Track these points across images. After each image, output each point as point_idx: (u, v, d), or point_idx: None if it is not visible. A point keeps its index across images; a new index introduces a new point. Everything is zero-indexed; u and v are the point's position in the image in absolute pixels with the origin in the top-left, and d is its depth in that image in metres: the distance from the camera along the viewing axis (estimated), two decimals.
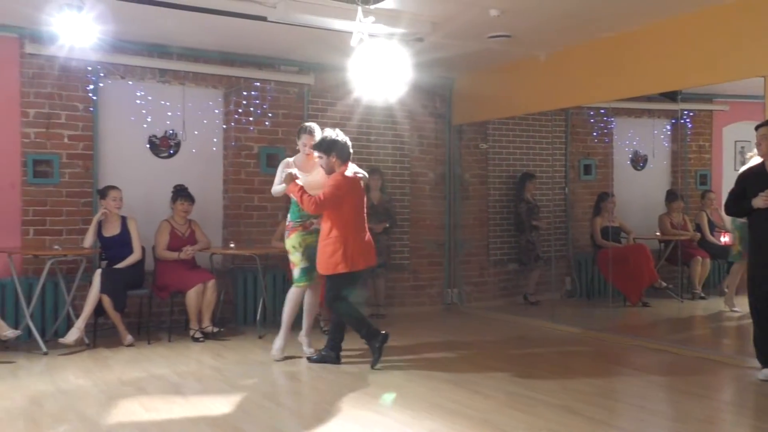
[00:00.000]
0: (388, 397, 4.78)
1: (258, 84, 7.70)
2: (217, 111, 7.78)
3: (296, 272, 5.83)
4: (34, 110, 6.66)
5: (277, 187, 5.85)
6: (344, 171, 5.64)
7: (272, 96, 7.82)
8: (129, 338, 6.37)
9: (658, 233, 8.97)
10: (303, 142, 5.95)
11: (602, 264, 8.72)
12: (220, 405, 4.54)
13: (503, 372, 5.52)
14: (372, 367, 5.49)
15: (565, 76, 7.27)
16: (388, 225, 8.10)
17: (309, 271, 5.78)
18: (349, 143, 5.75)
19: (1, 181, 6.56)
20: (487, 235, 9.15)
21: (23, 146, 6.63)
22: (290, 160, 6.01)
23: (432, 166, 8.86)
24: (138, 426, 4.08)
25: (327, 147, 5.62)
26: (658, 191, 9.21)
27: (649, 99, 8.52)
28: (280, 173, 5.81)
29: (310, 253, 5.74)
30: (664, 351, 6.30)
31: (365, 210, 5.85)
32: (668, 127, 9.49)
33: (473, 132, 9.04)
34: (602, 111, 9.22)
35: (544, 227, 9.06)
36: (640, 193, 9.38)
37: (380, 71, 5.57)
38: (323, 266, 5.60)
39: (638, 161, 9.47)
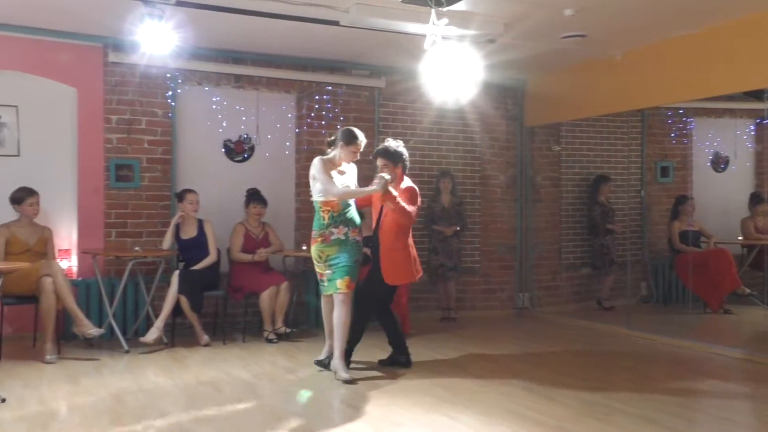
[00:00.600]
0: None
1: (330, 88, 7.78)
2: (289, 115, 7.90)
3: (321, 282, 5.56)
4: (116, 116, 6.91)
5: (348, 191, 5.45)
6: (411, 184, 5.62)
7: (343, 100, 7.89)
8: (205, 338, 6.52)
9: (740, 237, 8.65)
10: (355, 148, 5.51)
11: (681, 269, 8.45)
12: (294, 405, 4.59)
13: (578, 379, 5.41)
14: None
15: (642, 76, 7.08)
16: (458, 228, 8.07)
17: (331, 280, 5.43)
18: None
19: (86, 185, 6.82)
20: (559, 239, 8.99)
21: (106, 151, 6.88)
22: (327, 158, 5.54)
23: (503, 169, 8.77)
24: (215, 425, 4.17)
25: (396, 157, 5.55)
26: (741, 194, 8.88)
27: (730, 98, 8.22)
28: (323, 172, 5.37)
29: (334, 262, 5.40)
30: (747, 360, 6.06)
31: None
32: (752, 127, 9.14)
33: (546, 134, 8.91)
34: (681, 111, 8.95)
35: (618, 231, 8.85)
36: (720, 196, 9.06)
37: (452, 73, 5.55)
38: (396, 275, 5.53)
39: (719, 163, 9.15)
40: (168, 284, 6.48)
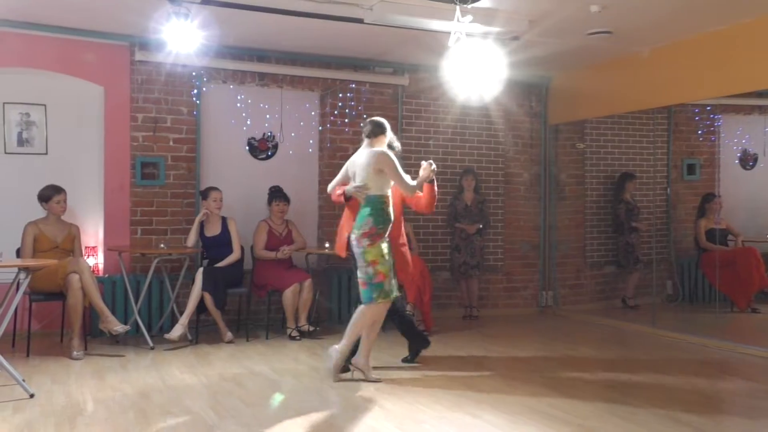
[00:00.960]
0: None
1: (353, 86, 7.79)
2: (313, 113, 7.92)
3: (386, 284, 5.05)
4: (142, 115, 6.97)
5: (413, 183, 5.07)
6: None
7: (367, 97, 7.89)
8: (229, 335, 6.56)
9: None
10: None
11: (707, 268, 8.35)
12: (317, 402, 4.61)
13: (602, 377, 5.37)
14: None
15: (669, 73, 7.00)
16: (481, 226, 8.04)
17: (392, 281, 5.15)
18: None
19: (112, 183, 6.90)
20: (583, 237, 8.93)
21: (132, 149, 6.95)
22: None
23: (527, 167, 8.72)
24: (238, 421, 4.20)
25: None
26: None
27: (759, 95, 8.08)
28: (399, 166, 5.05)
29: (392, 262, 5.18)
30: None
31: None
32: None
33: (570, 131, 8.84)
34: (708, 108, 8.83)
35: (644, 229, 8.76)
36: (748, 194, 8.92)
37: (475, 71, 5.52)
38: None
39: (747, 160, 9.01)
40: (192, 281, 6.54)
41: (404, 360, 5.78)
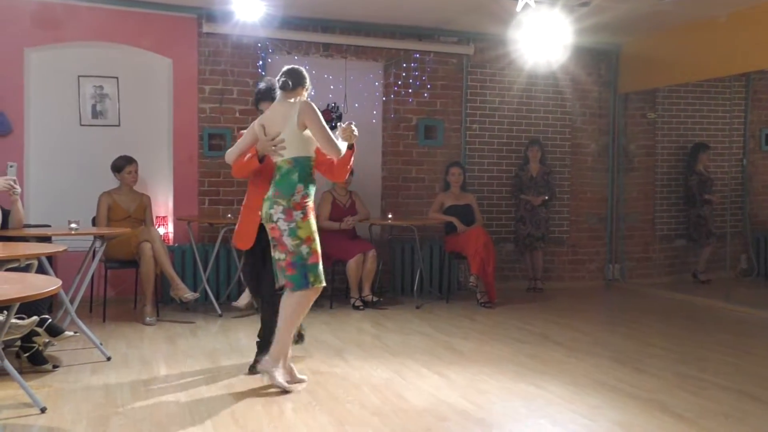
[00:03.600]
0: None
1: (417, 56, 7.73)
2: (377, 83, 7.90)
3: (320, 267, 4.20)
4: (209, 87, 7.09)
5: (341, 144, 4.22)
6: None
7: (431, 67, 7.81)
8: None
9: None
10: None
11: None
12: (381, 371, 4.65)
13: (671, 352, 5.25)
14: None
15: (747, 38, 6.69)
16: (547, 197, 7.92)
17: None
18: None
19: (181, 154, 7.05)
20: (653, 209, 8.71)
21: (200, 121, 7.08)
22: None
23: (595, 137, 8.52)
24: (305, 386, 4.27)
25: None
26: None
27: None
28: (324, 121, 4.18)
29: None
30: None
31: None
32: None
33: (640, 100, 8.59)
34: None
35: (717, 201, 8.48)
36: None
37: (543, 39, 5.41)
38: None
39: None
40: None
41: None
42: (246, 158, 4.28)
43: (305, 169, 4.14)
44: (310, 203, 4.16)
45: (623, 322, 6.40)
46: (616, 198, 8.58)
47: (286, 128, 4.12)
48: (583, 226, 8.51)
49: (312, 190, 4.18)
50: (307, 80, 4.32)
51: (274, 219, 4.10)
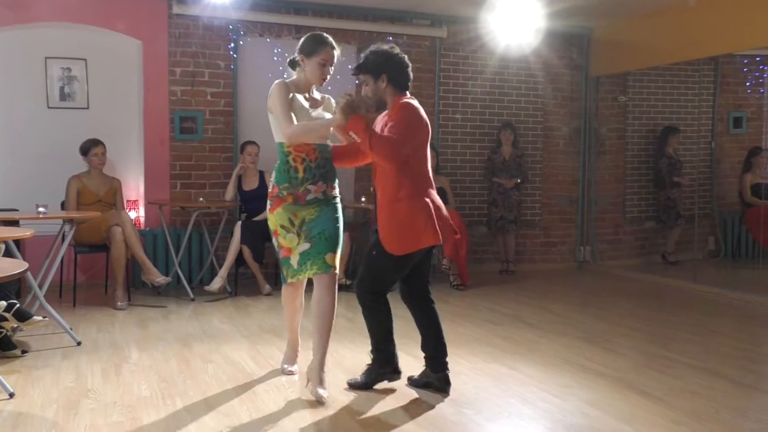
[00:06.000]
0: None
1: (390, 38, 7.69)
2: (350, 66, 7.83)
3: (293, 260, 3.90)
4: (180, 69, 7.00)
5: (302, 127, 3.78)
6: (408, 100, 3.77)
7: (404, 50, 7.70)
8: (267, 288, 6.66)
9: None
10: (321, 58, 3.92)
11: (751, 223, 8.20)
12: (352, 353, 4.67)
13: (639, 332, 5.34)
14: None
15: (717, 21, 6.77)
16: (519, 180, 7.97)
17: (311, 256, 3.84)
18: (409, 64, 3.87)
19: (152, 137, 6.98)
20: (623, 192, 8.81)
21: (171, 104, 7.00)
22: (290, 81, 3.99)
23: (566, 120, 8.58)
24: (278, 369, 4.28)
25: (377, 66, 3.80)
26: None
27: None
28: (280, 103, 3.77)
29: (311, 230, 3.84)
30: None
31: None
32: None
33: (612, 84, 8.65)
34: (758, 59, 8.56)
35: (686, 184, 8.60)
36: None
37: (515, 22, 5.42)
38: (397, 242, 3.71)
39: None
40: (231, 235, 6.62)
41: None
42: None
43: (280, 157, 3.90)
44: (282, 193, 3.84)
45: (594, 303, 6.49)
46: (587, 181, 8.66)
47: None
48: (555, 208, 8.59)
49: (280, 179, 3.85)
50: (300, 50, 3.97)
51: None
